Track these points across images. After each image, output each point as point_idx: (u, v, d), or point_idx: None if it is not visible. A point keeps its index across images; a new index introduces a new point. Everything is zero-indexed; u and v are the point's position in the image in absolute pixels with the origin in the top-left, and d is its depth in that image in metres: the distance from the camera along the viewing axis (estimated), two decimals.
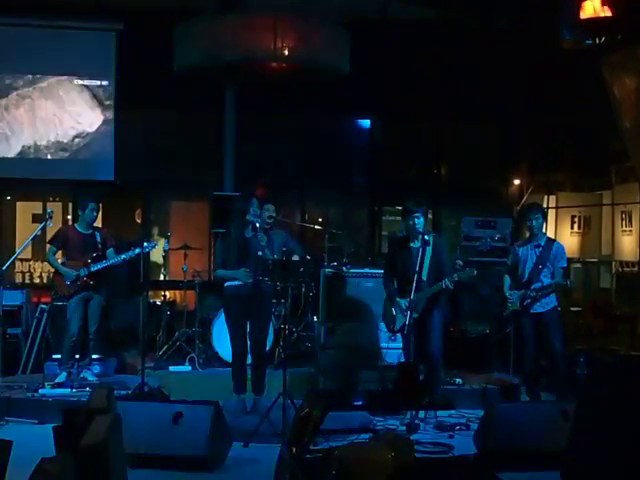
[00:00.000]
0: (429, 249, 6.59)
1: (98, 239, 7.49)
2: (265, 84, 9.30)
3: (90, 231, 7.52)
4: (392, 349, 7.39)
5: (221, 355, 7.94)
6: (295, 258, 7.53)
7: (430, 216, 6.79)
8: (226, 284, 6.81)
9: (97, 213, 7.60)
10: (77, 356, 7.47)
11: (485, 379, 7.85)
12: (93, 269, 7.33)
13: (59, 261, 7.51)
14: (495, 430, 5.57)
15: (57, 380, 7.19)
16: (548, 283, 6.97)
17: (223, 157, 10.56)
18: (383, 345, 7.56)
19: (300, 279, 8.47)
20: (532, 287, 6.98)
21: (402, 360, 6.85)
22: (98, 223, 8.03)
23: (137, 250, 7.25)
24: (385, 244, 11.04)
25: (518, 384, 7.60)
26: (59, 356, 7.63)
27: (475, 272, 6.61)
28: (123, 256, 7.35)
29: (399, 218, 11.30)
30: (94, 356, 7.65)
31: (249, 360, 6.89)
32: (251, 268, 6.62)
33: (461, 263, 7.97)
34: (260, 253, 6.61)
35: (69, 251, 7.46)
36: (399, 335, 6.91)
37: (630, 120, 8.89)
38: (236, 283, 6.73)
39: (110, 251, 7.48)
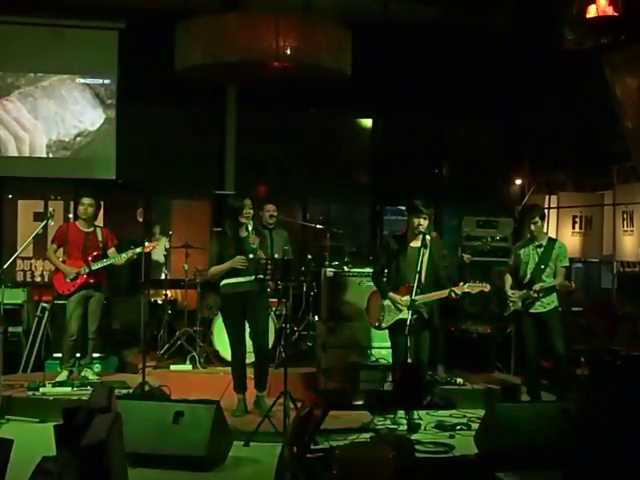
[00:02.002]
0: (427, 251, 6.55)
1: (99, 237, 7.47)
2: (267, 83, 9.30)
3: (91, 229, 7.50)
4: None
5: (222, 354, 7.95)
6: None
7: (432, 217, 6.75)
8: (222, 283, 6.78)
9: (93, 209, 7.51)
10: (78, 355, 7.48)
11: (486, 379, 7.85)
12: (94, 268, 7.32)
13: (60, 259, 7.50)
14: (496, 430, 5.57)
15: (58, 379, 7.19)
16: (552, 283, 6.96)
17: (224, 156, 10.56)
18: (384, 345, 7.55)
19: (301, 278, 8.48)
20: (535, 288, 6.97)
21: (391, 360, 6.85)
22: (99, 222, 8.03)
23: (138, 250, 7.24)
24: None
25: (519, 384, 7.60)
26: (60, 355, 7.63)
27: (488, 288, 6.53)
28: (124, 255, 7.35)
29: (401, 217, 11.36)
30: (95, 355, 7.66)
31: (249, 359, 6.89)
32: (248, 266, 6.61)
33: (470, 257, 7.95)
34: (251, 256, 6.61)
35: (70, 249, 7.44)
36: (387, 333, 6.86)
37: (632, 120, 8.88)
38: (232, 281, 6.69)
39: (112, 250, 7.47)
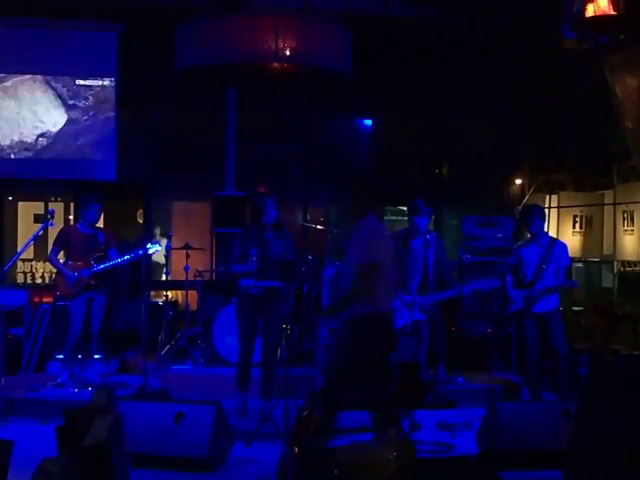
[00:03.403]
0: (431, 250, 6.56)
1: (101, 239, 7.49)
2: (266, 84, 9.30)
3: (93, 231, 7.52)
4: None
5: (223, 355, 7.96)
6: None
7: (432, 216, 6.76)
8: (241, 282, 6.73)
9: (100, 214, 7.60)
10: (79, 356, 7.49)
11: (487, 378, 7.85)
12: (95, 270, 7.33)
13: (61, 261, 7.51)
14: (497, 430, 5.56)
15: (59, 380, 7.20)
16: (555, 284, 6.96)
17: (225, 157, 10.56)
18: None
19: (302, 279, 8.49)
20: (536, 287, 6.96)
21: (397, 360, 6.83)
22: (99, 223, 8.05)
23: (140, 251, 7.25)
24: None
25: (520, 384, 7.60)
26: (61, 356, 7.64)
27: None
28: (126, 256, 7.35)
29: (401, 218, 11.36)
30: (96, 356, 7.66)
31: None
32: (269, 268, 6.57)
33: (469, 257, 7.96)
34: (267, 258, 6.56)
35: (71, 251, 7.46)
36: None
37: (632, 120, 8.88)
38: (251, 283, 6.62)
39: (113, 252, 7.48)
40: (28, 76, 9.78)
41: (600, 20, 7.15)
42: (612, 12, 7.05)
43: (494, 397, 7.25)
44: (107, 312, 7.79)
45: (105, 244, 7.49)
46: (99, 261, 7.37)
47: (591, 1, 7.08)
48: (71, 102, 9.87)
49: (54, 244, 7.56)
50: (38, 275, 9.96)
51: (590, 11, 7.09)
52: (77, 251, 7.42)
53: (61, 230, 7.71)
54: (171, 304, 9.06)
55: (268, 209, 6.62)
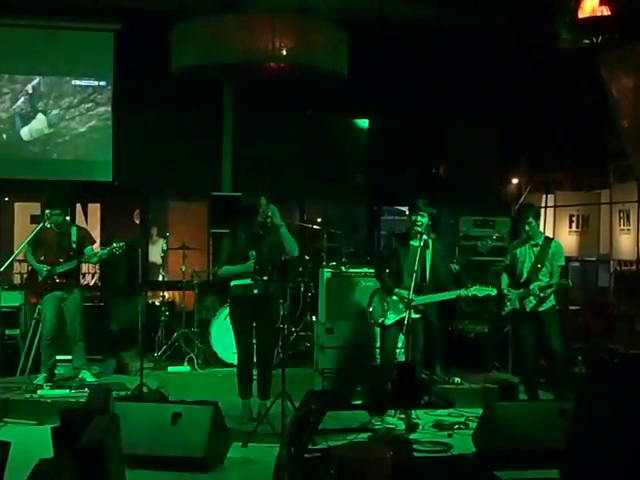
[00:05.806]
0: (429, 251, 6.56)
1: (74, 238, 7.31)
2: (263, 84, 9.30)
3: (66, 229, 7.32)
4: None
5: (220, 355, 7.96)
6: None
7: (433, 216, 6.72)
8: (232, 284, 6.62)
9: (62, 217, 7.29)
10: (67, 357, 7.40)
11: (484, 378, 7.85)
12: (59, 270, 7.16)
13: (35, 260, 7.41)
14: (494, 429, 5.57)
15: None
16: (550, 282, 6.96)
17: (221, 157, 10.56)
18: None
19: (299, 279, 8.48)
20: (533, 286, 6.95)
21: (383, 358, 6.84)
22: (97, 223, 7.99)
23: (105, 251, 7.12)
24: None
25: (517, 383, 7.60)
26: (62, 357, 7.59)
27: (495, 292, 6.63)
28: (92, 254, 7.24)
29: (398, 218, 11.36)
30: (93, 357, 7.62)
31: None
32: (260, 267, 6.43)
33: (457, 267, 7.98)
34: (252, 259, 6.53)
35: (44, 250, 7.27)
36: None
37: (628, 119, 8.89)
38: (242, 283, 6.54)
39: (88, 249, 7.32)
40: (23, 76, 9.80)
41: (595, 20, 7.16)
42: (607, 12, 7.05)
43: (491, 396, 7.24)
44: (103, 312, 7.75)
45: (78, 243, 7.31)
46: (69, 259, 7.24)
47: (586, 1, 7.09)
48: (67, 102, 9.87)
49: (29, 243, 7.38)
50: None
51: (585, 11, 7.10)
52: (48, 250, 7.24)
53: (35, 228, 7.54)
54: (168, 304, 9.04)
55: (262, 208, 6.54)
